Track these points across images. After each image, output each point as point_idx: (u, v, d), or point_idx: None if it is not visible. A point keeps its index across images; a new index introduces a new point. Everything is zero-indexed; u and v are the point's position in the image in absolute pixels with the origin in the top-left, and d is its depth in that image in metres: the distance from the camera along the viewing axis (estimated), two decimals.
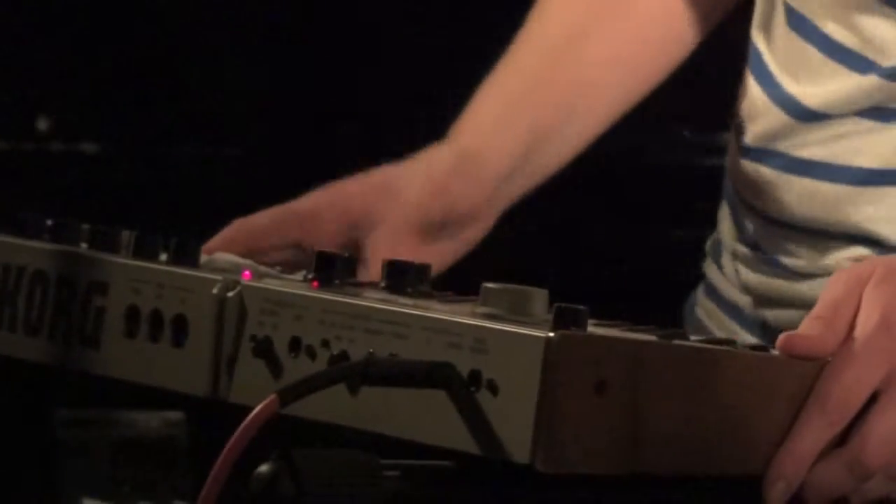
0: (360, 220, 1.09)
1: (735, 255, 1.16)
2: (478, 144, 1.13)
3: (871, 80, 1.06)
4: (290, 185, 1.12)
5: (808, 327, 0.79)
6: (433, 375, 0.70)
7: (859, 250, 1.09)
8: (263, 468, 0.67)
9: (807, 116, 1.09)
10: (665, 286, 1.30)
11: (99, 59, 2.25)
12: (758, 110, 1.12)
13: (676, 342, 0.76)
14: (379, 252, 1.06)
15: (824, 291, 0.83)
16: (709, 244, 1.21)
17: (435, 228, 1.12)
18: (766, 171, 1.12)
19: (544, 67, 1.17)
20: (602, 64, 1.18)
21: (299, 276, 0.84)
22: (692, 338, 0.80)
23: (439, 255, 1.11)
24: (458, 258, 1.13)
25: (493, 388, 0.69)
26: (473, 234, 1.14)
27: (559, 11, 1.19)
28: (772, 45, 1.13)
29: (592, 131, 1.18)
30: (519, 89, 1.16)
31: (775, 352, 0.79)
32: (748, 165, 1.13)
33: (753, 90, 1.13)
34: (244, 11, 2.25)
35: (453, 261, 1.13)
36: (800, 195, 1.10)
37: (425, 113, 1.24)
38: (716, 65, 1.19)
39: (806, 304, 0.87)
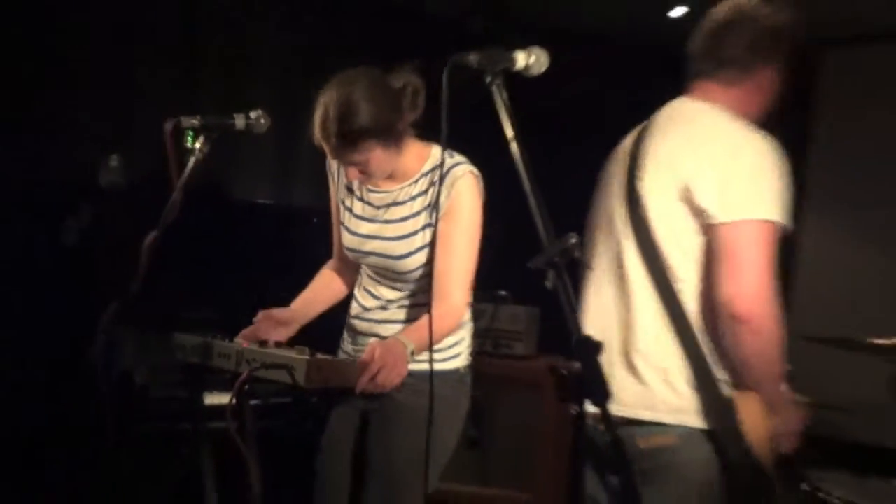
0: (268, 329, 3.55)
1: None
2: (294, 309, 3.69)
3: None
4: None
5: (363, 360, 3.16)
6: None
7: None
8: None
9: None
10: None
11: None
12: None
13: None
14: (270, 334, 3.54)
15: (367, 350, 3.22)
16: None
17: (283, 326, 3.54)
18: None
19: (310, 294, 3.78)
20: (323, 297, 3.80)
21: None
22: None
23: (285, 335, 3.55)
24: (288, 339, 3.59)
25: None
26: (291, 332, 3.60)
27: (319, 280, 3.81)
28: None
29: (320, 311, 3.75)
30: (304, 298, 3.76)
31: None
32: None
33: None
34: None
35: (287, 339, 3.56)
36: None
37: None
38: None
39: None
